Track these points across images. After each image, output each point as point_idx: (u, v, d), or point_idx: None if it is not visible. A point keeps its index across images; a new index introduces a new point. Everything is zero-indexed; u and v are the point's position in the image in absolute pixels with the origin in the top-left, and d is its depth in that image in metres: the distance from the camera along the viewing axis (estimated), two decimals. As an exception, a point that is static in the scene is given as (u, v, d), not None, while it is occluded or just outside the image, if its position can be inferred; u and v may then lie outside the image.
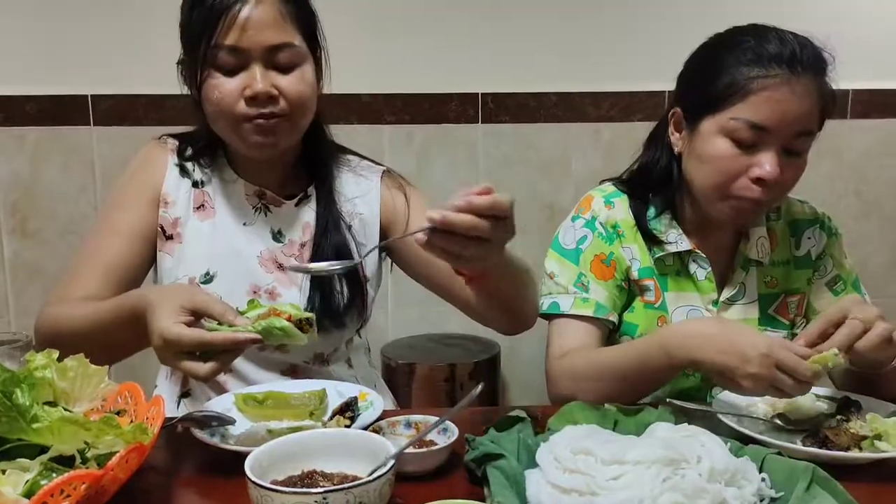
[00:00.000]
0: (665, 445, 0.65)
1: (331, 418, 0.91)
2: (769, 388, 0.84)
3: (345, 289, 1.08)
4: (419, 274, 1.13)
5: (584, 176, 2.35)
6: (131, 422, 0.79)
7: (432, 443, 0.84)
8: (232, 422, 0.87)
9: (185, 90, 1.07)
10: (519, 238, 2.73)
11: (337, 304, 1.07)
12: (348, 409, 0.90)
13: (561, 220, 2.32)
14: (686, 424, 0.72)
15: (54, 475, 0.60)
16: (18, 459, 0.62)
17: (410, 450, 0.75)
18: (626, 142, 2.33)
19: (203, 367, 0.78)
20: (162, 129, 2.11)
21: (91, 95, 2.13)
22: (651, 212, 1.14)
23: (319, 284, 1.07)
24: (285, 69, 0.99)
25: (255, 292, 1.07)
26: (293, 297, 1.07)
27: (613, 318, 1.11)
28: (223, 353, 0.79)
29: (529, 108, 2.32)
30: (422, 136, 2.31)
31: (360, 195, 1.13)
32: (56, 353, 0.73)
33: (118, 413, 0.81)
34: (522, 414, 0.79)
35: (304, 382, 1.00)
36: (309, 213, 1.11)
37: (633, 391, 0.98)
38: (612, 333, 1.13)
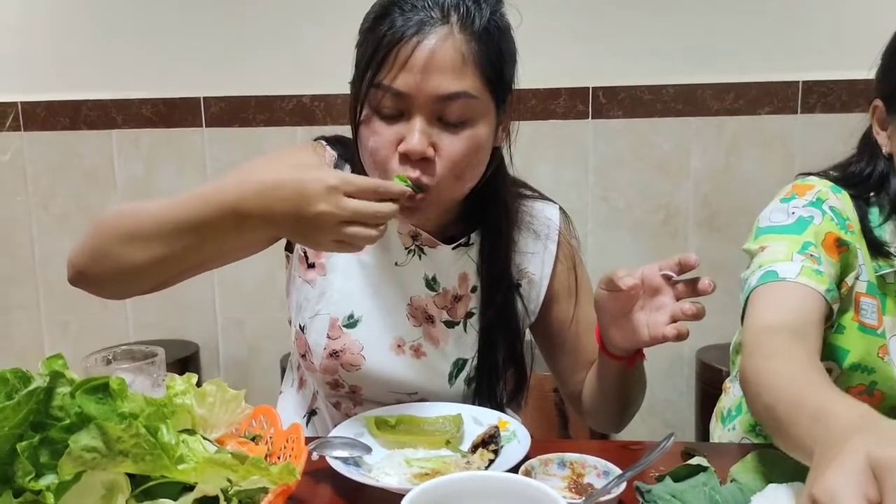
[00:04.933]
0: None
1: (472, 450, 0.83)
2: None
3: (510, 375, 1.01)
4: (548, 349, 1.06)
5: (705, 175, 2.18)
6: (269, 449, 0.74)
7: (590, 487, 0.74)
8: (368, 451, 0.80)
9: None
10: (630, 242, 2.56)
11: (500, 396, 1.00)
12: (491, 442, 0.82)
13: (678, 223, 2.20)
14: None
15: (200, 520, 0.55)
16: (161, 500, 0.57)
17: (576, 498, 0.66)
18: (753, 137, 2.18)
19: (370, 231, 0.75)
20: (271, 129, 2.16)
21: (203, 98, 2.16)
22: (874, 216, 0.95)
23: (486, 369, 0.98)
24: (454, 124, 0.83)
25: (399, 346, 0.96)
26: (442, 358, 0.98)
27: (836, 307, 0.88)
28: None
29: (644, 101, 2.18)
30: (528, 133, 2.16)
31: (534, 253, 1.00)
32: (195, 378, 0.69)
33: (253, 438, 0.76)
34: (705, 462, 0.68)
35: (437, 406, 0.93)
36: (468, 264, 0.98)
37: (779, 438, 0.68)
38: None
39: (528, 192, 1.04)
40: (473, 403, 0.97)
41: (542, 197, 1.05)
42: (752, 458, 0.70)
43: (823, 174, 1.00)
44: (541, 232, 1.01)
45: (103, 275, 0.83)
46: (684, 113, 2.16)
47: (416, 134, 0.81)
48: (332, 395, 1.00)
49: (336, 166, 0.96)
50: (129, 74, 2.17)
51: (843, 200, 0.95)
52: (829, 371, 0.97)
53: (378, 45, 0.82)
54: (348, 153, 0.96)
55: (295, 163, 0.90)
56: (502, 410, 0.99)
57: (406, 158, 0.82)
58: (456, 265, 0.98)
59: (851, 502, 0.45)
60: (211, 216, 0.77)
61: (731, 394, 1.18)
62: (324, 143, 0.99)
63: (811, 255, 0.87)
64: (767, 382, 0.71)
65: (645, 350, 0.88)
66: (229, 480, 0.61)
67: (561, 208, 1.05)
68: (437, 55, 0.80)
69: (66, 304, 2.28)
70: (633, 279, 0.78)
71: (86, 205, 2.22)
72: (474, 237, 0.98)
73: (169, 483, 0.58)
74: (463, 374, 0.98)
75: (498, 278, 0.97)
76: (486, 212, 0.97)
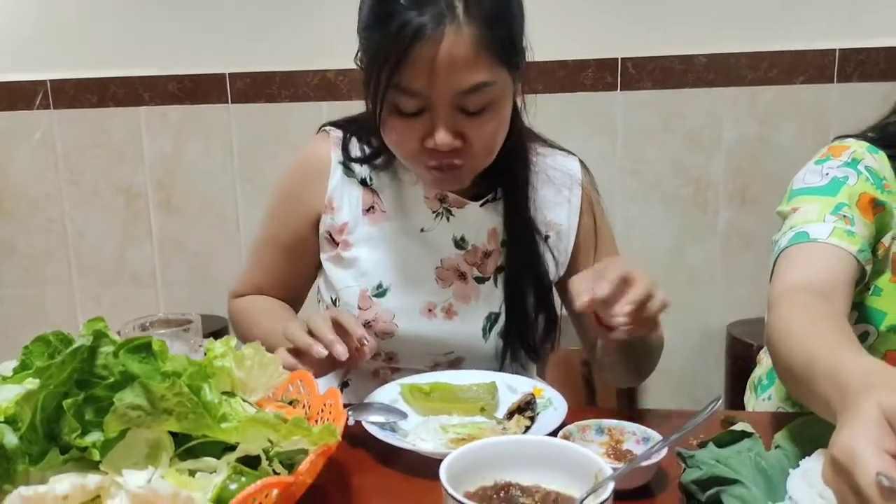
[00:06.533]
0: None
1: (508, 417, 0.82)
2: None
3: (540, 322, 1.00)
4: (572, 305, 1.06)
5: (738, 146, 2.13)
6: (306, 412, 0.74)
7: (629, 453, 0.73)
8: (404, 416, 0.80)
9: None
10: (660, 216, 2.50)
11: (532, 342, 1.00)
12: (528, 409, 0.82)
13: (710, 195, 2.16)
14: None
15: (243, 479, 0.55)
16: (204, 458, 0.58)
17: (616, 463, 0.65)
18: (788, 107, 2.12)
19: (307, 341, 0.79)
20: (295, 105, 2.16)
21: (228, 74, 2.16)
22: None
23: (515, 320, 0.98)
24: (476, 112, 0.84)
25: (430, 310, 0.98)
26: (474, 315, 0.98)
27: (868, 268, 0.86)
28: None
29: (675, 72, 2.13)
30: (556, 106, 2.17)
31: (559, 204, 1.01)
32: (234, 341, 0.69)
33: (290, 402, 0.76)
34: (749, 428, 0.66)
35: (471, 373, 0.92)
36: (495, 219, 0.99)
37: (801, 398, 0.69)
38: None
39: (547, 143, 1.04)
40: (506, 353, 0.98)
41: (562, 149, 1.05)
42: (798, 425, 0.69)
43: (861, 135, 0.98)
44: (563, 184, 1.01)
45: None
46: (716, 83, 2.11)
47: (441, 130, 0.83)
48: (370, 363, 1.00)
49: (343, 145, 1.00)
50: (156, 51, 2.17)
51: (880, 161, 0.93)
52: (867, 334, 0.95)
53: (389, 48, 0.79)
54: (360, 130, 1.00)
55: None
56: (536, 355, 1.01)
57: (434, 150, 0.85)
58: (485, 221, 0.99)
59: (869, 456, 0.44)
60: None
61: (765, 364, 1.17)
62: (327, 128, 1.02)
63: (844, 216, 0.86)
64: (784, 341, 0.70)
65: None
66: (270, 441, 0.61)
67: (581, 161, 1.05)
68: (451, 51, 0.78)
69: (98, 278, 2.31)
70: (585, 298, 0.73)
71: (115, 180, 2.24)
72: (500, 192, 0.99)
73: (211, 442, 0.59)
74: (496, 328, 0.99)
75: (523, 227, 0.98)
76: (508, 164, 0.97)
